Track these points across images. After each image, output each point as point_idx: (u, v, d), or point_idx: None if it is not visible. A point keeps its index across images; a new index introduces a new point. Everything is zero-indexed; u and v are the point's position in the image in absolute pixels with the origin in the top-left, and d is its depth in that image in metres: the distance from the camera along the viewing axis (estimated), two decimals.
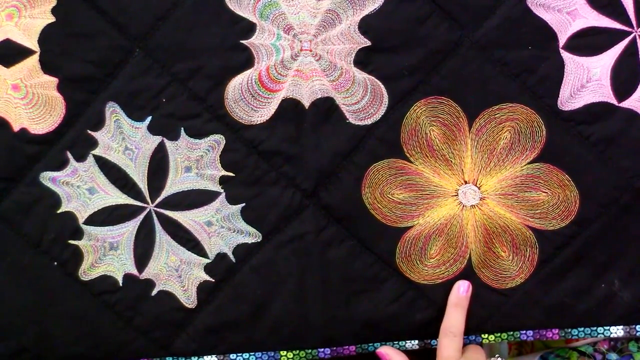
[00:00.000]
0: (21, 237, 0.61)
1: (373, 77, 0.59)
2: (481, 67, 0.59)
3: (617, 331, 0.61)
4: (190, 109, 0.60)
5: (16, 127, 0.59)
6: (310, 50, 0.59)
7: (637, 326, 0.62)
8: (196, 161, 0.61)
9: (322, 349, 0.62)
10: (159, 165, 0.61)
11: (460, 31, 0.59)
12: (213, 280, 0.62)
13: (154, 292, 0.62)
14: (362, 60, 0.59)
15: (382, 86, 0.60)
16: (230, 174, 0.61)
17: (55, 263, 0.61)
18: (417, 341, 0.62)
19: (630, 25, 0.58)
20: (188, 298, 0.63)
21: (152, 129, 0.60)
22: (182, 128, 0.60)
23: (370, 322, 0.62)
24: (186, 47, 0.59)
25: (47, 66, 0.59)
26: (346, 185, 0.61)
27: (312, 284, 0.62)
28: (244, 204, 0.61)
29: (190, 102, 0.60)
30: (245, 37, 0.58)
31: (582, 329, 0.62)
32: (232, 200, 0.61)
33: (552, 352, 0.71)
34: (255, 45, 0.58)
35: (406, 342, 0.62)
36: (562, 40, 0.58)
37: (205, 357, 0.63)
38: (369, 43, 0.59)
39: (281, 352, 0.63)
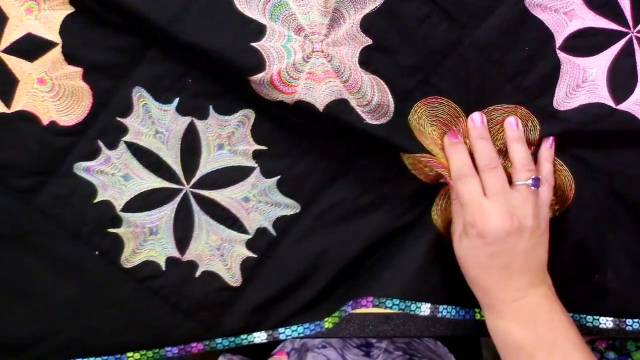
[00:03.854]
0: (60, 230, 0.60)
1: (376, 77, 0.58)
2: (480, 67, 0.58)
3: (606, 322, 0.61)
4: (216, 87, 0.59)
5: (45, 121, 0.59)
6: (322, 52, 0.56)
7: (628, 320, 0.61)
8: (227, 138, 0.60)
9: (350, 303, 0.62)
10: (191, 146, 0.60)
11: (459, 31, 0.57)
12: (256, 256, 0.62)
13: (197, 274, 0.62)
14: (365, 60, 0.57)
15: (384, 85, 0.58)
16: (263, 147, 0.61)
17: (97, 253, 0.61)
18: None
19: (627, 26, 0.57)
20: (232, 276, 0.62)
21: (181, 110, 0.60)
22: (211, 106, 0.60)
23: (416, 275, 0.61)
24: (200, 48, 0.56)
25: (70, 57, 0.58)
26: (384, 151, 0.60)
27: (354, 248, 0.62)
28: (279, 177, 0.61)
29: (215, 82, 0.59)
30: (256, 40, 0.55)
31: (571, 314, 0.61)
32: (267, 173, 0.61)
33: None
34: (266, 47, 0.55)
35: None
36: (558, 40, 0.57)
37: (254, 333, 0.63)
38: (370, 42, 0.57)
39: (325, 319, 0.63)
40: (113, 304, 0.61)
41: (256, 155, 0.61)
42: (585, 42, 0.57)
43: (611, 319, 0.61)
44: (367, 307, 0.62)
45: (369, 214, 0.62)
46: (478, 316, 0.63)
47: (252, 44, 0.55)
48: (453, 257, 0.58)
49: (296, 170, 0.61)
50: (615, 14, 0.56)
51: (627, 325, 0.60)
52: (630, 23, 0.56)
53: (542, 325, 0.54)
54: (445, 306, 0.63)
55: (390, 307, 0.61)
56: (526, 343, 0.54)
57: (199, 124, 0.60)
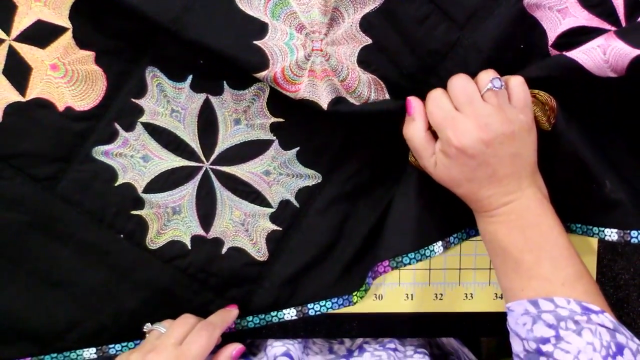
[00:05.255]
0: (84, 216, 0.60)
1: (375, 77, 0.57)
2: (479, 68, 0.56)
3: (611, 234, 0.60)
4: (228, 66, 0.59)
5: (61, 107, 0.59)
6: (321, 50, 0.56)
7: (632, 232, 0.59)
8: (244, 112, 0.60)
9: (370, 274, 0.61)
10: (207, 123, 0.60)
11: (458, 32, 0.56)
12: (280, 229, 0.61)
13: (224, 250, 0.61)
14: (364, 59, 0.57)
15: (382, 85, 0.57)
16: (280, 119, 0.60)
17: (121, 236, 0.61)
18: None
19: (620, 25, 0.56)
20: (258, 251, 0.62)
21: (195, 87, 0.59)
22: (225, 82, 0.59)
23: (418, 223, 0.60)
24: (203, 46, 0.55)
25: (81, 41, 0.58)
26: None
27: (375, 217, 0.61)
28: (298, 148, 0.60)
29: (226, 62, 0.59)
30: (258, 38, 0.55)
31: (578, 225, 0.61)
32: (286, 145, 0.60)
33: None
34: (269, 46, 0.54)
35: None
36: (551, 38, 0.57)
37: (284, 310, 0.62)
38: (370, 41, 0.56)
39: (354, 294, 0.62)
40: (141, 286, 0.61)
41: (274, 127, 0.60)
42: (576, 41, 0.56)
43: (616, 230, 0.60)
44: (386, 272, 0.61)
45: (385, 182, 0.61)
46: None
47: (255, 42, 0.54)
48: (442, 189, 0.57)
49: (315, 141, 0.60)
50: (608, 13, 0.55)
51: (632, 237, 0.59)
52: (623, 23, 0.55)
53: (530, 229, 0.53)
54: (454, 235, 0.62)
55: (409, 263, 0.60)
56: (513, 247, 0.53)
57: (214, 100, 0.60)
